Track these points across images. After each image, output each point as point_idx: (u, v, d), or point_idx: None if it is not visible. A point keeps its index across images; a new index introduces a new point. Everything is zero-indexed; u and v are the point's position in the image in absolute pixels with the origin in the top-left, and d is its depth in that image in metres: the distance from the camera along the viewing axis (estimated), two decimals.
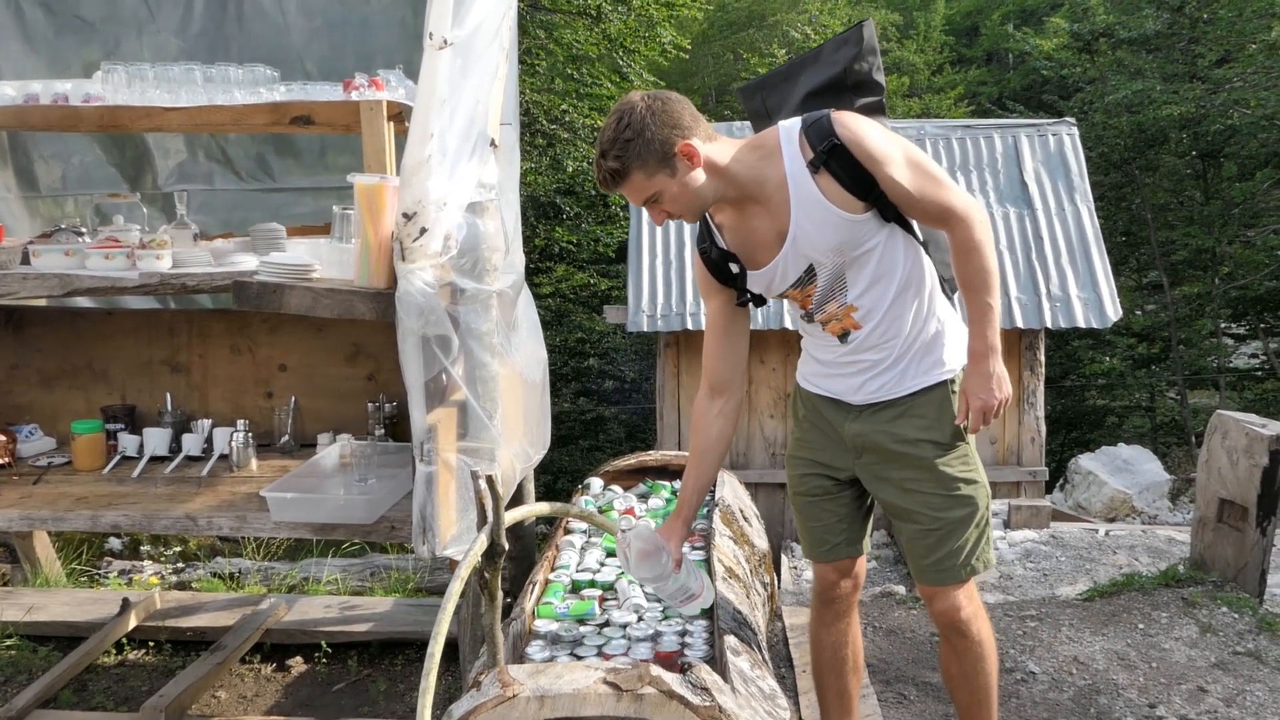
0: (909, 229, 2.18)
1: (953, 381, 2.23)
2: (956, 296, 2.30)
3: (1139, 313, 14.62)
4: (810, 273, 2.16)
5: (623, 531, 2.27)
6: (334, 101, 2.96)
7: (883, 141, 2.04)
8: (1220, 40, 12.58)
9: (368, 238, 2.54)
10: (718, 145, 2.08)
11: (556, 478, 12.05)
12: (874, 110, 2.26)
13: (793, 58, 2.40)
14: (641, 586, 2.43)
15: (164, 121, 3.06)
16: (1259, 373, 14.64)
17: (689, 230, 7.12)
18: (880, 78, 2.28)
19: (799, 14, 18.42)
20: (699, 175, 2.05)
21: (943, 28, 23.75)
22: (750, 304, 2.28)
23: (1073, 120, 8.02)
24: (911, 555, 2.34)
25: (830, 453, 2.36)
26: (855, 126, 2.04)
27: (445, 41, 2.36)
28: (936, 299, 2.23)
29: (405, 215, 2.41)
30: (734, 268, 2.23)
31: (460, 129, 2.51)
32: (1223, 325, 14.32)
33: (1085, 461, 9.10)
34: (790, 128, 2.08)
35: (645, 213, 2.30)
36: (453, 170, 2.49)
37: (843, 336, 2.23)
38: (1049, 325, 6.85)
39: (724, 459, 2.36)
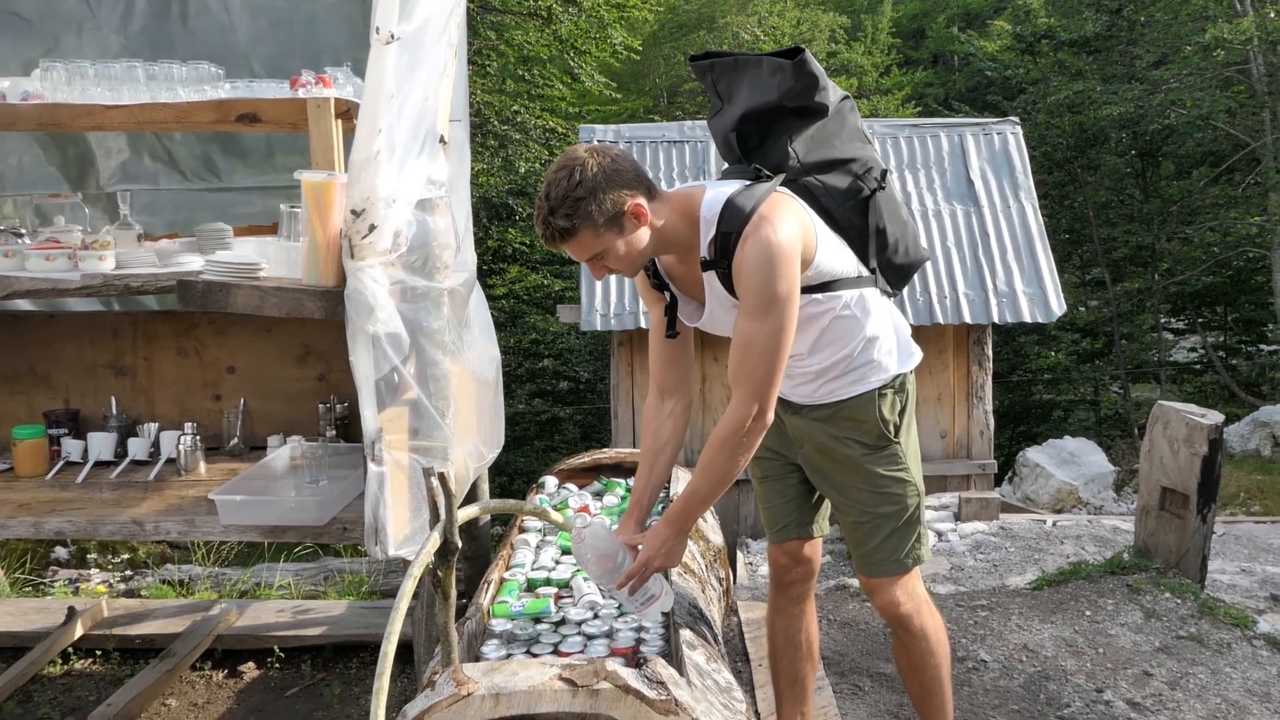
0: (828, 286, 2.16)
1: (884, 387, 2.27)
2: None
3: (1083, 308, 14.95)
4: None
5: (577, 527, 2.26)
6: (280, 99, 2.92)
7: (760, 290, 2.00)
8: (1157, 42, 12.94)
9: (316, 235, 2.51)
10: (658, 204, 2.07)
11: (512, 479, 12.00)
12: (817, 115, 2.23)
13: (740, 55, 2.37)
14: (601, 589, 2.43)
15: (105, 120, 3.00)
16: (1198, 366, 15.06)
17: None
18: (824, 99, 2.22)
19: (748, 16, 18.59)
20: (644, 234, 2.05)
21: (890, 30, 24.08)
22: (677, 336, 2.28)
23: (1016, 120, 8.15)
24: (850, 546, 2.43)
25: (778, 439, 2.43)
26: (752, 258, 1.99)
27: (392, 36, 2.34)
28: (868, 321, 2.23)
29: (354, 212, 2.38)
30: (667, 295, 2.25)
31: (409, 125, 2.49)
32: (1163, 320, 14.70)
33: (1033, 454, 9.28)
34: (709, 218, 2.07)
35: None
36: (401, 166, 2.47)
37: None
38: (995, 320, 6.95)
39: (676, 458, 2.38)
